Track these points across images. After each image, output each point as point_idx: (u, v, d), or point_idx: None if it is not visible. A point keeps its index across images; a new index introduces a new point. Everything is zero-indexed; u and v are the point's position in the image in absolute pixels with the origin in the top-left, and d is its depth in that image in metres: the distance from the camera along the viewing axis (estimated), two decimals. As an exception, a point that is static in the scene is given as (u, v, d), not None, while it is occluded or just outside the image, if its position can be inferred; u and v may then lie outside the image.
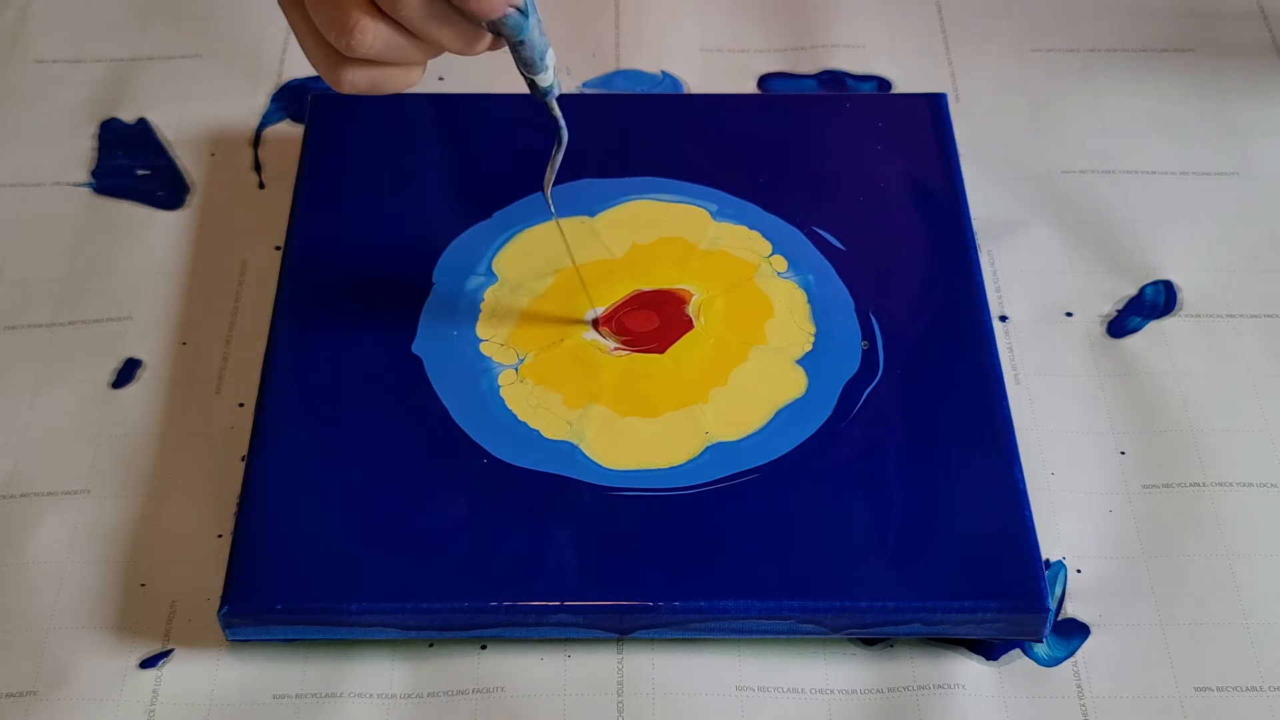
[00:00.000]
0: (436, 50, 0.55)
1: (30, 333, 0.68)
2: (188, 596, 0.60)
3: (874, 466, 0.60)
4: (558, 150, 0.60)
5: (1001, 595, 0.57)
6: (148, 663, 0.59)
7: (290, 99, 0.76)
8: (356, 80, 0.55)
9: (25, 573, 0.61)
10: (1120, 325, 0.68)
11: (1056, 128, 0.76)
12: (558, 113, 0.58)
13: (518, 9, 0.53)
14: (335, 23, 0.53)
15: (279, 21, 0.80)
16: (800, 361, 0.63)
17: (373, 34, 0.53)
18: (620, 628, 0.57)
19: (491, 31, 0.54)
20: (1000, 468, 0.60)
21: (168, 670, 0.58)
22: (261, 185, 0.73)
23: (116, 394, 0.66)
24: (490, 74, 0.78)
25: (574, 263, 0.64)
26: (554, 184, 0.60)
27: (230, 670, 0.58)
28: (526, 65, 0.56)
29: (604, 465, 0.60)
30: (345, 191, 0.69)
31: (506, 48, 0.56)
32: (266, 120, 0.76)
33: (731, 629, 0.57)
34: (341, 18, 0.53)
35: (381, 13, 0.53)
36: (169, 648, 0.59)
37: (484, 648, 0.59)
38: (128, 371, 0.67)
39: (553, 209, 0.61)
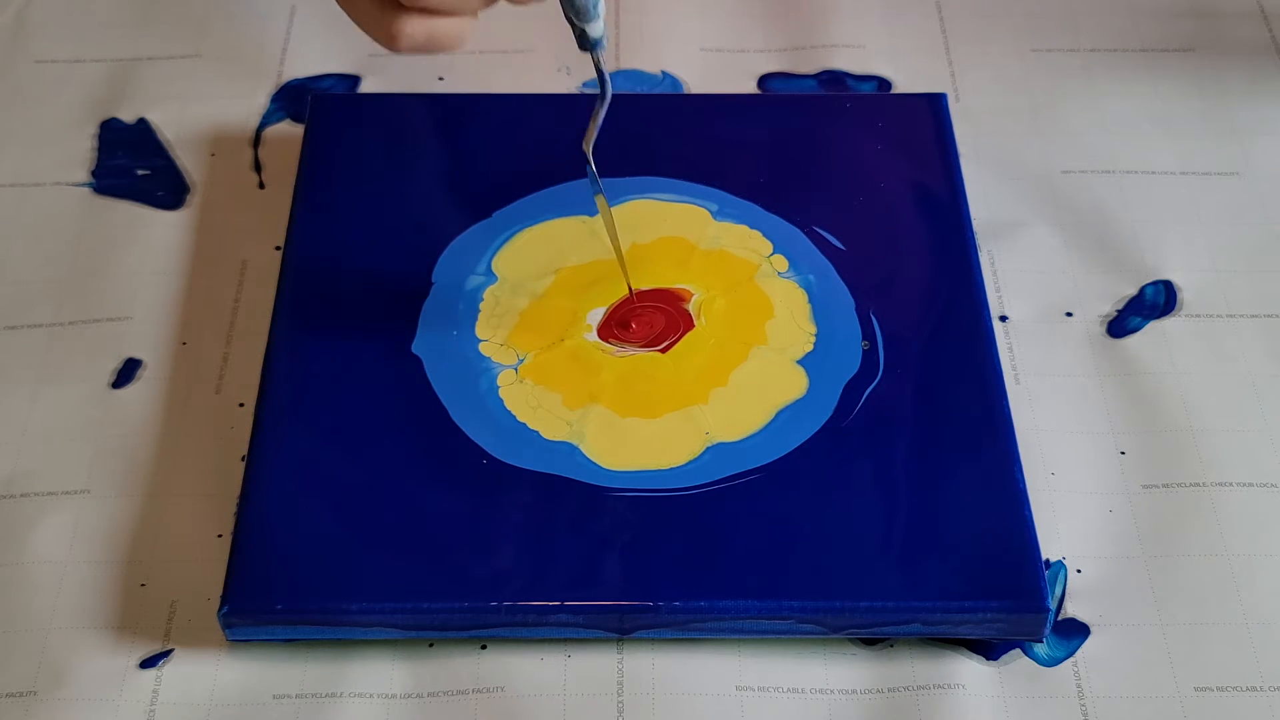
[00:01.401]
0: None
1: (30, 333, 0.68)
2: (188, 596, 0.60)
3: (874, 467, 0.60)
4: (601, 106, 0.59)
5: (1001, 595, 0.57)
6: (148, 663, 0.59)
7: (290, 99, 0.76)
8: (415, 32, 0.54)
9: (25, 573, 0.61)
10: (1120, 325, 0.68)
11: (1056, 128, 0.76)
12: (603, 65, 0.57)
13: None
14: None
15: (279, 21, 0.80)
16: (801, 362, 0.63)
17: None
18: (620, 628, 0.57)
19: None
20: (1000, 468, 0.60)
21: (168, 670, 0.58)
22: (261, 185, 0.73)
23: (116, 394, 0.66)
24: (490, 74, 0.78)
25: (614, 237, 0.63)
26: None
27: (230, 670, 0.58)
28: (579, 13, 0.55)
29: (604, 466, 0.60)
30: (345, 191, 0.69)
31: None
32: (266, 120, 0.76)
33: (731, 629, 0.57)
34: None
35: None
36: (169, 648, 0.59)
37: (484, 648, 0.59)
38: (128, 371, 0.67)
39: (593, 167, 0.60)
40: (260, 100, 0.77)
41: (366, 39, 0.82)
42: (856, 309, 0.65)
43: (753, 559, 0.57)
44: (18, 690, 0.58)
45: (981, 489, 0.59)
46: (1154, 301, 0.69)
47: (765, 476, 0.60)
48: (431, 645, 0.59)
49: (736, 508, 0.59)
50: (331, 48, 0.79)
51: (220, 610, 0.57)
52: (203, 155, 0.74)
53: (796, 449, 0.60)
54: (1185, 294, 0.69)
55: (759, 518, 0.59)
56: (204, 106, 0.76)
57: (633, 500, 0.59)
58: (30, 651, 0.59)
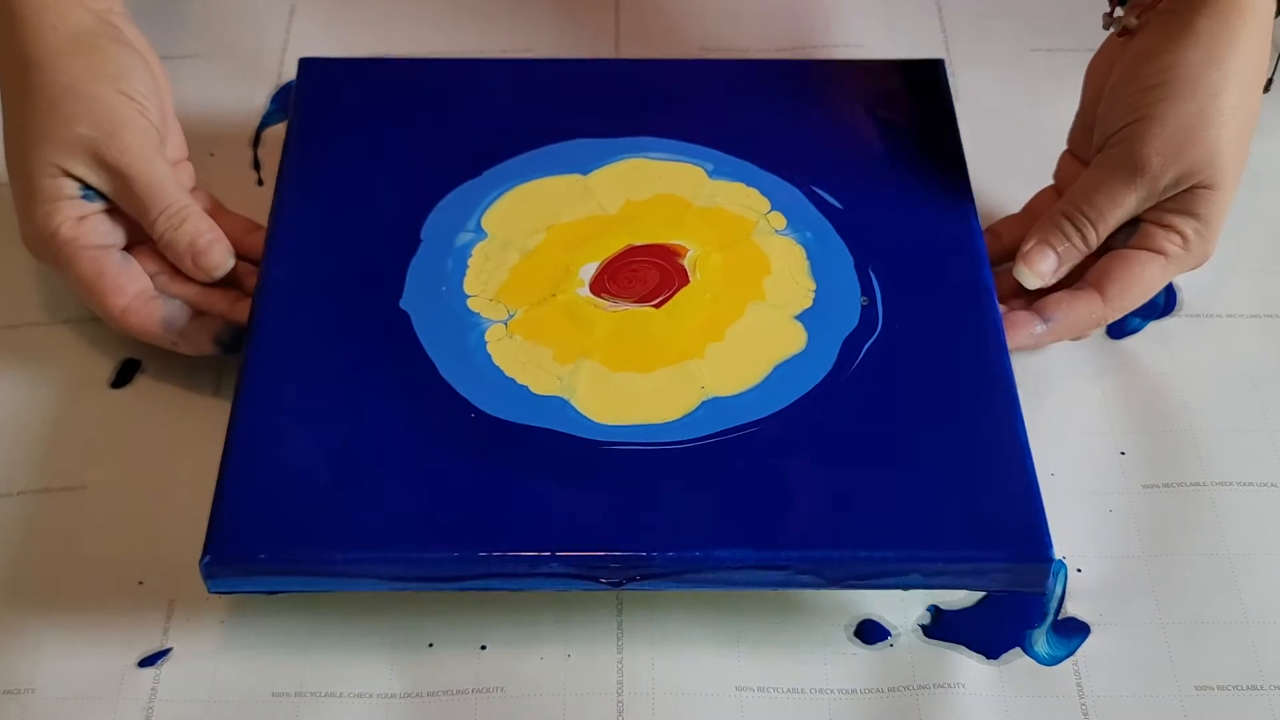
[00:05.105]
0: None
1: (29, 332, 0.68)
2: (187, 595, 0.60)
3: (873, 419, 0.59)
4: None
5: (1003, 544, 0.56)
6: (146, 661, 0.59)
7: (290, 99, 0.76)
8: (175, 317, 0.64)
9: (25, 572, 0.61)
10: (1120, 325, 0.68)
11: (1056, 128, 0.75)
12: None
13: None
14: None
15: (279, 21, 0.80)
16: (799, 317, 0.63)
17: None
18: (613, 580, 0.57)
19: None
20: (1001, 419, 0.59)
21: (166, 669, 0.58)
22: (261, 184, 0.73)
23: (116, 394, 0.66)
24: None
25: None
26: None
27: (229, 669, 0.58)
28: None
29: (596, 420, 0.59)
30: (334, 150, 0.68)
31: None
32: (266, 120, 0.76)
33: (727, 580, 0.56)
34: None
35: None
36: (167, 646, 0.59)
37: (484, 648, 0.59)
38: (127, 371, 0.67)
39: None
40: (260, 100, 0.77)
41: (366, 39, 0.82)
42: (855, 266, 0.64)
43: (750, 510, 0.57)
44: (17, 689, 0.58)
45: (982, 440, 0.59)
46: (1154, 301, 0.69)
47: (762, 430, 0.59)
48: (431, 645, 0.59)
49: (733, 461, 0.58)
50: (331, 48, 0.79)
51: (202, 560, 0.56)
52: (203, 155, 0.74)
53: (794, 403, 0.60)
54: (1185, 294, 0.69)
55: (756, 470, 0.58)
56: (204, 106, 0.76)
57: (625, 453, 0.58)
58: (29, 650, 0.59)
